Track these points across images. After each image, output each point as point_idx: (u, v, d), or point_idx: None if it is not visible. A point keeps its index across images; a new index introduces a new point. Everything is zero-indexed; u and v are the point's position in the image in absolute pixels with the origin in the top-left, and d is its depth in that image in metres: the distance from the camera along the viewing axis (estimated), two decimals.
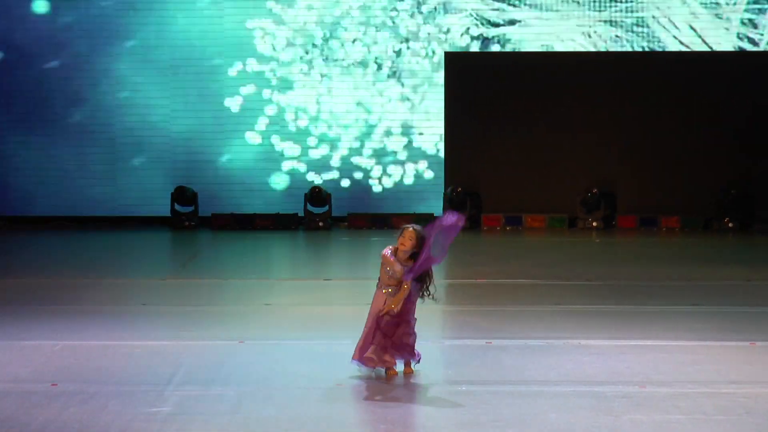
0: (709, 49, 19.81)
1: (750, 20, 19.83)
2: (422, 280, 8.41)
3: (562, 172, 19.90)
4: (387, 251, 8.39)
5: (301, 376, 8.42)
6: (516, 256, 16.46)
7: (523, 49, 19.93)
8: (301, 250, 17.99)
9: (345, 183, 20.12)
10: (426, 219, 19.28)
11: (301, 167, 20.09)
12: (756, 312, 11.28)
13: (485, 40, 19.92)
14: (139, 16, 19.91)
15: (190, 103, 20.03)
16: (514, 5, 19.87)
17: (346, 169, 20.12)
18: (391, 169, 20.14)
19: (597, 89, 19.98)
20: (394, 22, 19.98)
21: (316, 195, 19.60)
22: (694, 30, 19.80)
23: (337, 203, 19.87)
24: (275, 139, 20.07)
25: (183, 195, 19.65)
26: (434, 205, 19.87)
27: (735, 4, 19.78)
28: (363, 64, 20.04)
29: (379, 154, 20.12)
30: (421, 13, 20.00)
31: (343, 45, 20.04)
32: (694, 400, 7.71)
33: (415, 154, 20.13)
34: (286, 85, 20.06)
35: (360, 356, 8.37)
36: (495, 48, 19.95)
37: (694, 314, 11.12)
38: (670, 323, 10.61)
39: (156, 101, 20.01)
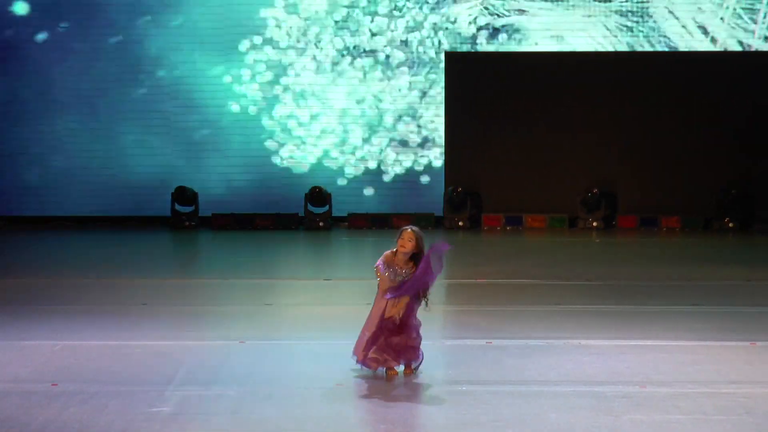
0: (712, 40, 19.77)
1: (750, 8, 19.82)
2: (419, 294, 8.43)
3: (562, 172, 19.89)
4: (380, 263, 8.38)
5: (302, 376, 8.42)
6: (516, 256, 16.46)
7: (529, 40, 19.88)
8: (301, 250, 17.98)
9: (345, 183, 20.12)
10: (426, 219, 19.33)
11: (302, 167, 20.10)
12: (756, 312, 11.28)
13: (494, 30, 19.86)
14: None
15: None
16: None
17: (346, 168, 20.12)
18: (391, 168, 20.14)
19: (597, 89, 19.98)
20: (400, 11, 19.93)
21: (317, 195, 19.58)
22: (698, 24, 19.80)
23: (337, 203, 19.85)
24: (275, 139, 20.07)
25: (183, 195, 19.63)
26: (434, 205, 19.86)
27: None
28: (364, 63, 20.03)
29: (380, 154, 20.11)
30: (427, 2, 19.97)
31: (343, 44, 20.06)
32: (694, 400, 7.71)
33: (415, 153, 20.12)
34: (286, 84, 20.06)
35: (363, 357, 8.38)
36: (502, 37, 19.89)
37: (694, 314, 11.12)
38: (670, 323, 10.61)
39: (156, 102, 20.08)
